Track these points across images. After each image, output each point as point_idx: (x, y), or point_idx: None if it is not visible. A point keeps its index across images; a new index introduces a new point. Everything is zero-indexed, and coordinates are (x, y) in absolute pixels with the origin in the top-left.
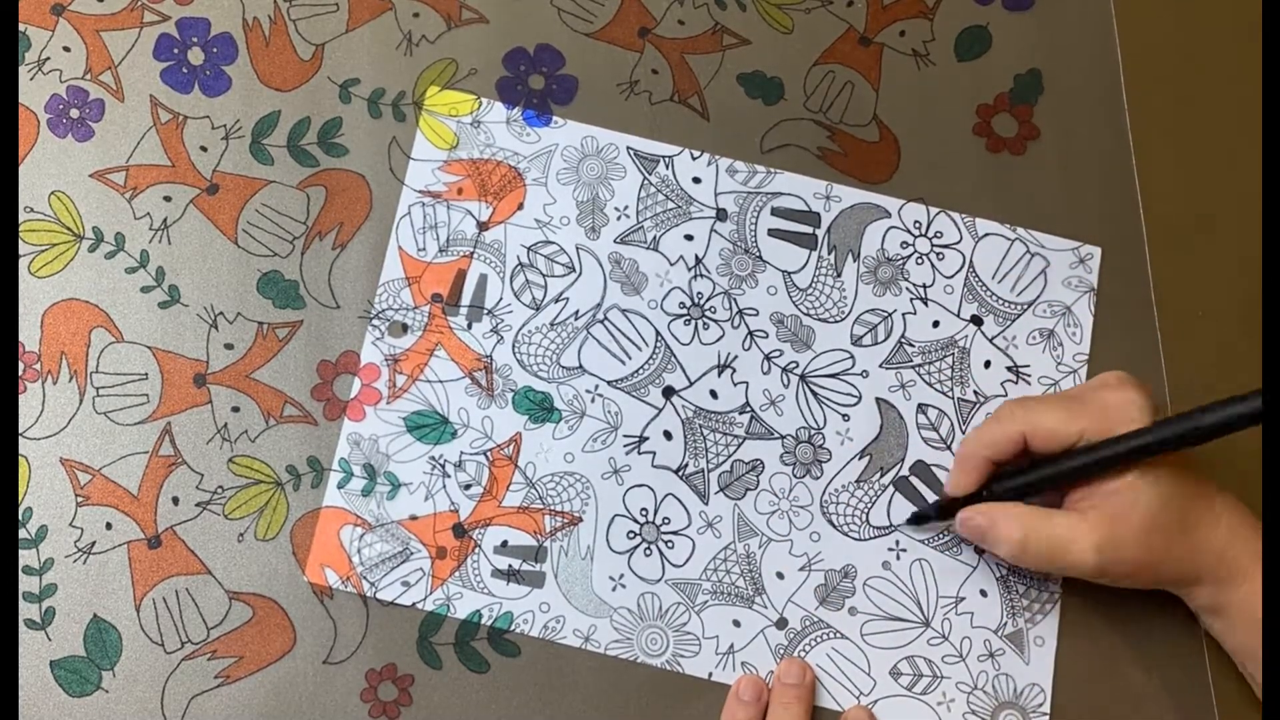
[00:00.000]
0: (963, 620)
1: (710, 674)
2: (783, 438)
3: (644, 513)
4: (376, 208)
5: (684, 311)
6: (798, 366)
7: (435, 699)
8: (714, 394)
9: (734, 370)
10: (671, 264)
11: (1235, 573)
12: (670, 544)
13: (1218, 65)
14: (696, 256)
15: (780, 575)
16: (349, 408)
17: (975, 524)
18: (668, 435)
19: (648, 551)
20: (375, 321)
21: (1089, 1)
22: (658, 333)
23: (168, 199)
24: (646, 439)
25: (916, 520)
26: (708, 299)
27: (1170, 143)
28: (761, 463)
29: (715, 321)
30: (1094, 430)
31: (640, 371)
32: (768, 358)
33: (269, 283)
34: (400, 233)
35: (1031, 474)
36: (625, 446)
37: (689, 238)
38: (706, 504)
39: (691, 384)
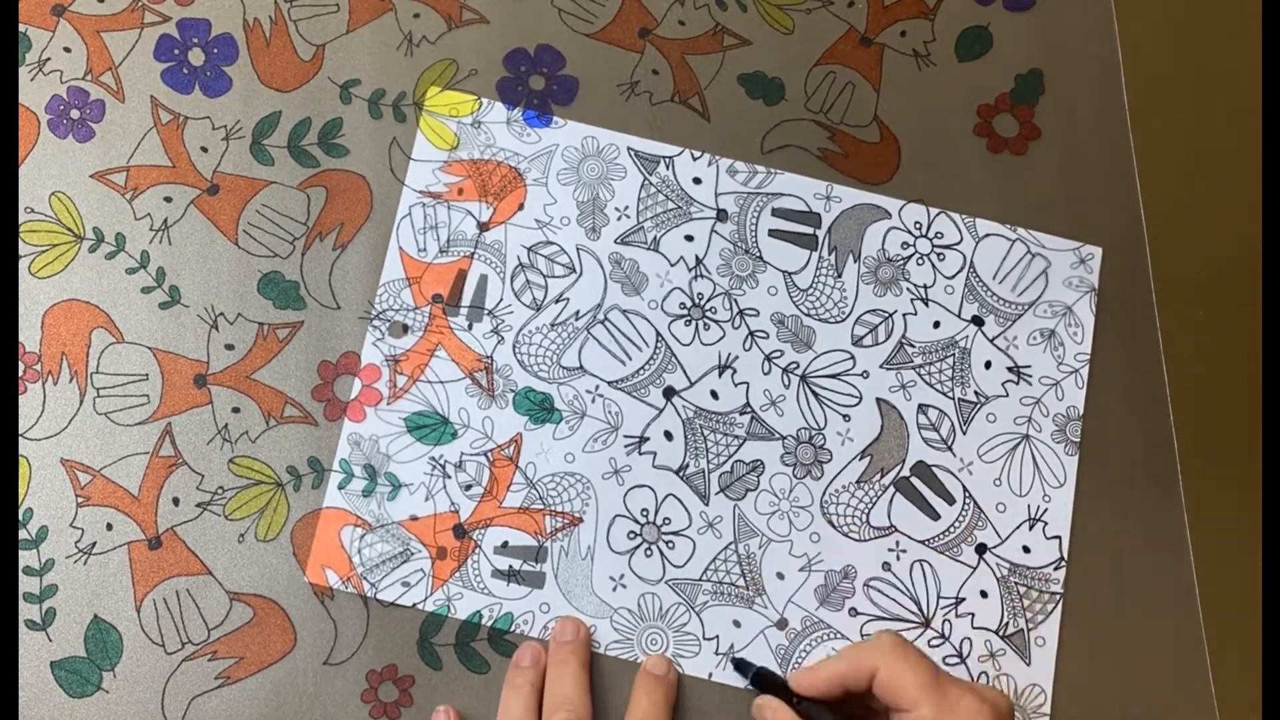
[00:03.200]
0: (963, 621)
1: (710, 674)
2: (783, 438)
3: (644, 513)
4: (377, 208)
5: (684, 312)
6: (798, 367)
7: (436, 699)
8: (714, 394)
9: (734, 371)
10: (672, 264)
11: None
12: (671, 544)
13: (1218, 65)
14: (697, 257)
15: (780, 576)
16: (349, 408)
17: (763, 714)
18: (668, 436)
19: (648, 552)
20: (376, 322)
21: (1090, 2)
22: (658, 333)
23: (168, 199)
24: (647, 439)
25: (739, 667)
26: (708, 299)
27: (1170, 143)
28: (762, 463)
29: (716, 322)
30: (928, 714)
31: (641, 372)
32: (768, 358)
33: (269, 283)
34: (401, 233)
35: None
36: (626, 447)
37: (689, 238)
38: (707, 504)
39: (692, 384)
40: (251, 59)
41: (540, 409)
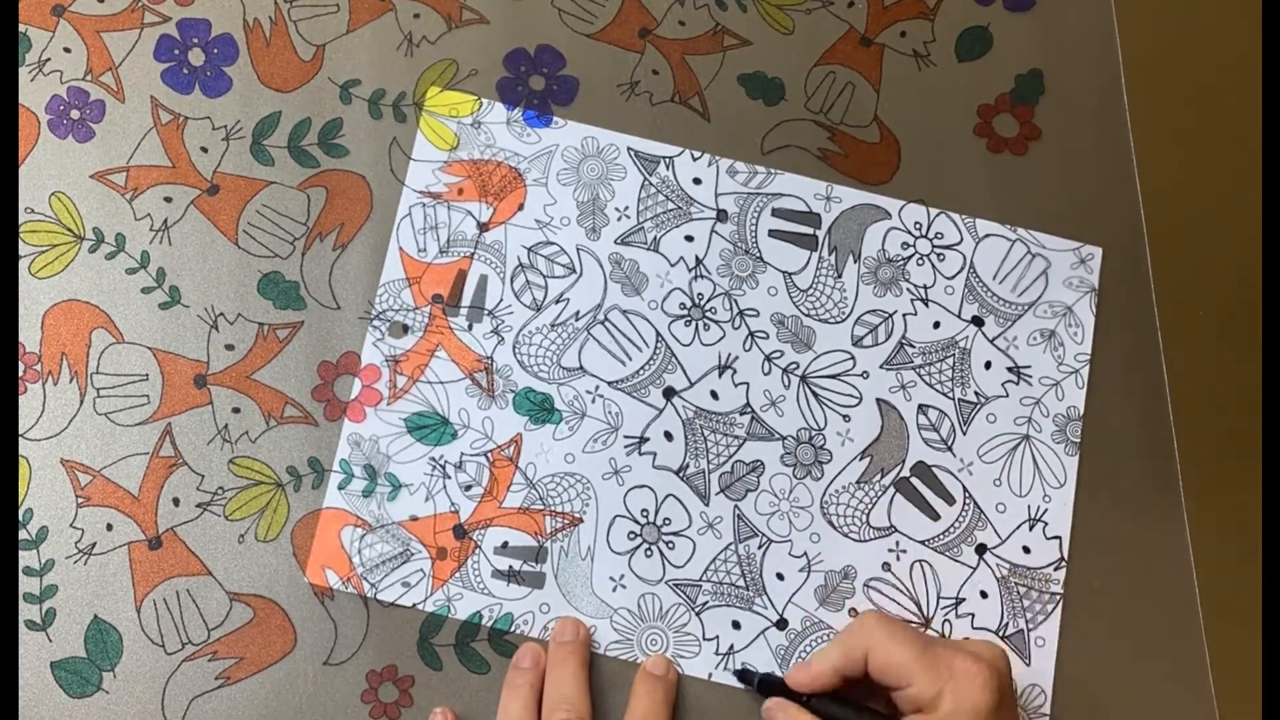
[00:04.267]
0: (963, 622)
1: (710, 675)
2: (784, 438)
3: (644, 513)
4: (377, 209)
5: (684, 312)
6: (798, 367)
7: (436, 700)
8: (715, 395)
9: (734, 371)
10: (672, 265)
11: None
12: (671, 545)
13: (1218, 65)
14: (697, 257)
15: (780, 576)
16: (349, 409)
17: (773, 717)
18: (668, 436)
19: (648, 552)
20: (376, 322)
21: (1090, 2)
22: (658, 333)
23: (168, 200)
24: (647, 440)
25: (742, 677)
26: (708, 300)
27: (1170, 142)
28: (762, 464)
29: (716, 322)
30: (925, 687)
31: (641, 372)
32: (768, 359)
33: (270, 284)
34: (401, 233)
35: (846, 711)
36: (626, 447)
37: (689, 239)
38: (707, 505)
39: (692, 385)
40: (251, 59)
41: (540, 409)
